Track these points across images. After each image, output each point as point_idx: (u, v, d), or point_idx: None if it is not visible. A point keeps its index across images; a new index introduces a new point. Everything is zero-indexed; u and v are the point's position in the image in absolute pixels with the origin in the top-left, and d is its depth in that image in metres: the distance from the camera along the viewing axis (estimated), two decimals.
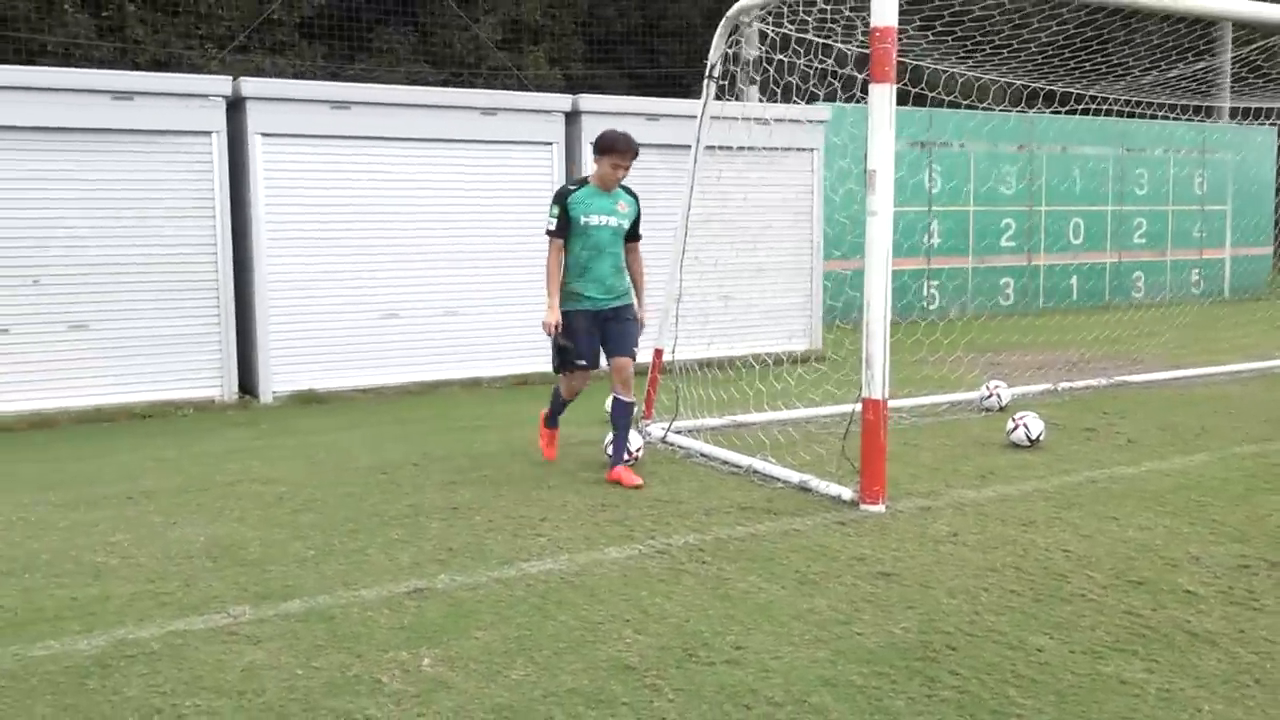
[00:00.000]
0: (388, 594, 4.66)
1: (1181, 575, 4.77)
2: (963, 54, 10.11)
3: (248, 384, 9.86)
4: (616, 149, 6.42)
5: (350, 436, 8.21)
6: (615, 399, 6.62)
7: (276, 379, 9.78)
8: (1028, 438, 7.46)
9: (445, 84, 20.05)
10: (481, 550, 5.26)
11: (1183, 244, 21.29)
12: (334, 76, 19.40)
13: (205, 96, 9.35)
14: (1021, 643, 4.04)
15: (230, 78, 9.62)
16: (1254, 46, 11.50)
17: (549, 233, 6.51)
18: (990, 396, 8.94)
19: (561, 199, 6.50)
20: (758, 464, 6.80)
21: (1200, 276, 21.57)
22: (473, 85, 20.10)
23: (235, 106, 9.61)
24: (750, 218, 10.55)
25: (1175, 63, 10.66)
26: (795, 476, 6.49)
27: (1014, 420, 7.58)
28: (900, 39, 8.92)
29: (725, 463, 7.02)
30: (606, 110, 10.97)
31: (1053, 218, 19.42)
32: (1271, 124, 21.72)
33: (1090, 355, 11.88)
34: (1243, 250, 22.18)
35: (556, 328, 6.44)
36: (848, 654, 3.96)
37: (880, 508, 5.89)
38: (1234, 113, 21.29)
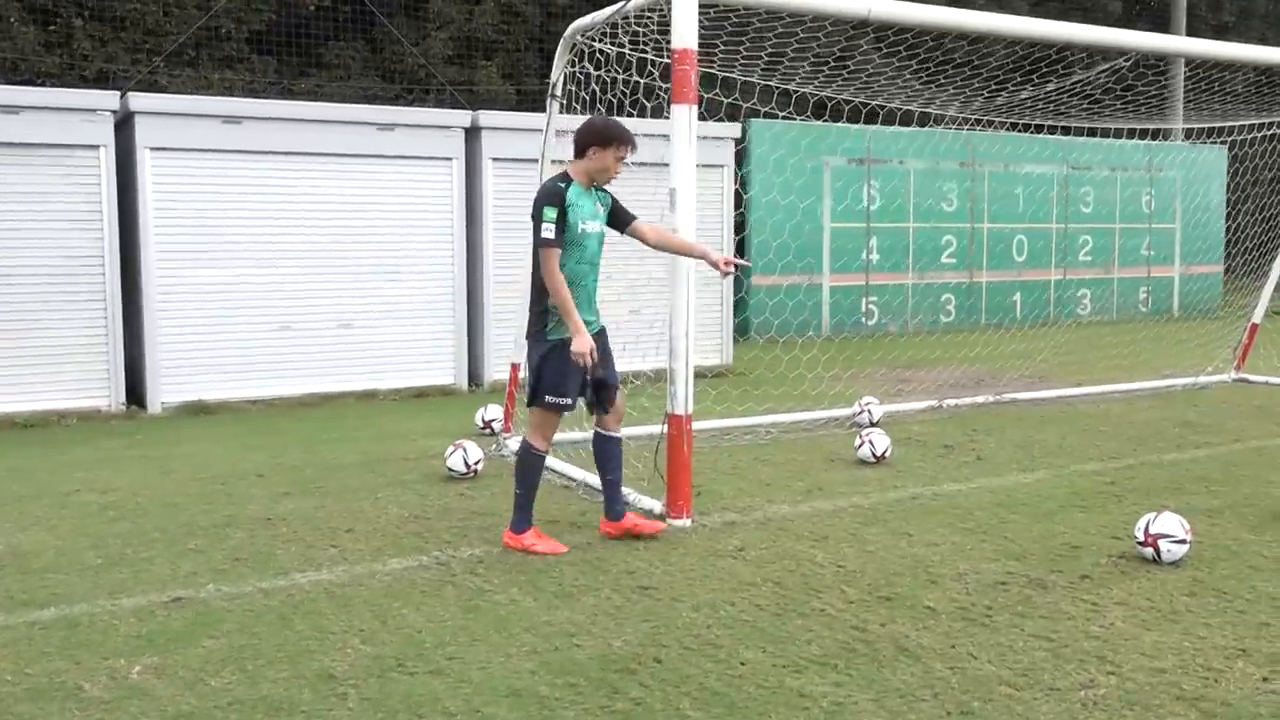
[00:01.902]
0: (145, 603, 4.73)
1: (935, 592, 4.83)
2: (909, 77, 10.21)
3: (139, 394, 9.95)
4: (625, 139, 5.44)
5: (216, 448, 8.30)
6: (603, 435, 5.74)
7: (165, 389, 9.87)
8: (873, 454, 7.53)
9: (397, 99, 20.21)
10: (267, 561, 5.33)
11: (1130, 262, 21.37)
12: (285, 91, 19.55)
13: (93, 111, 9.47)
14: (731, 656, 4.10)
15: (118, 93, 9.74)
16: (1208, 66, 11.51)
17: (548, 242, 5.27)
18: (861, 413, 9.01)
19: (559, 199, 5.32)
20: (589, 478, 6.87)
21: (1148, 294, 21.65)
22: (424, 100, 20.27)
23: (125, 121, 9.73)
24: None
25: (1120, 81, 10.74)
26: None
27: (860, 437, 7.65)
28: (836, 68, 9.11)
29: (564, 476, 7.10)
30: (507, 126, 11.09)
31: (995, 235, 19.51)
32: (1221, 143, 21.87)
33: (1000, 371, 11.95)
34: (1193, 269, 22.25)
35: (592, 354, 5.33)
36: (552, 665, 4.03)
37: (685, 522, 5.96)
38: (1186, 132, 21.44)
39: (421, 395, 10.84)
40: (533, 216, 5.39)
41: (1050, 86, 9.19)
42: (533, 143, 7.85)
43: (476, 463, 7.08)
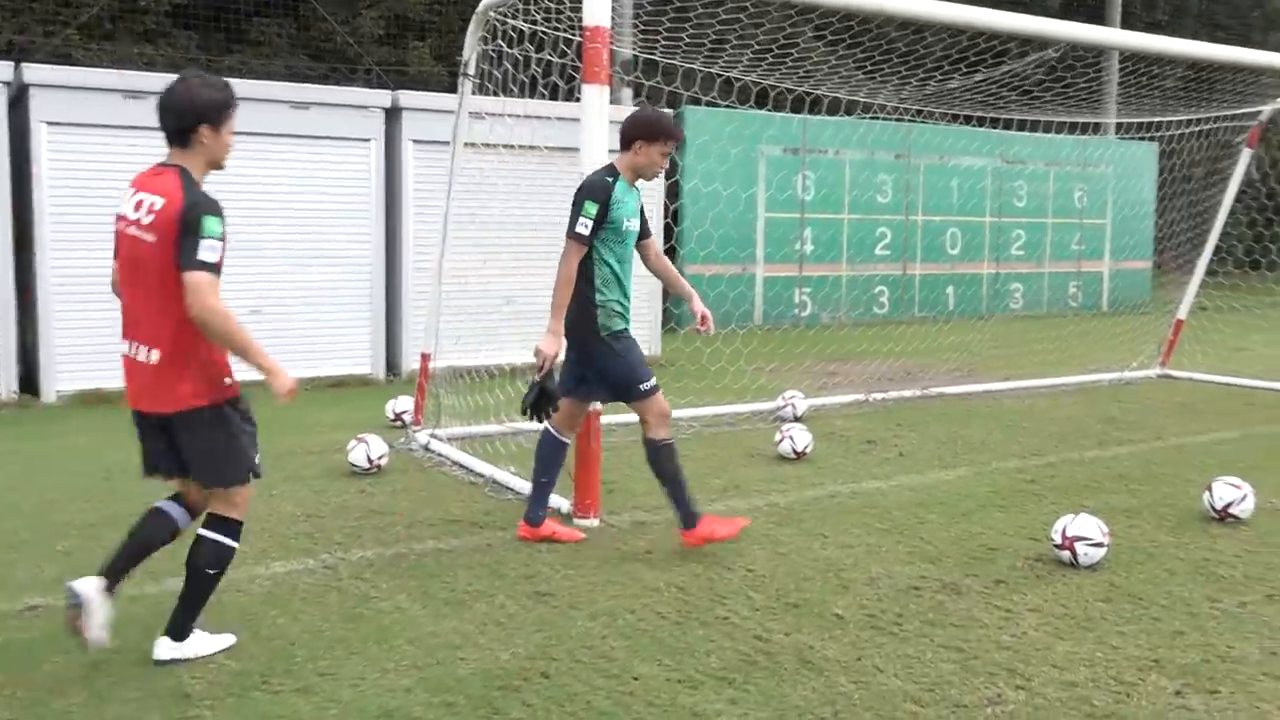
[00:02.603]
0: None
1: (844, 598, 4.63)
2: (852, 69, 10.03)
3: (33, 383, 9.46)
4: (673, 132, 5.16)
5: (107, 440, 7.85)
6: (555, 437, 5.45)
7: (60, 378, 9.39)
8: (794, 450, 7.34)
9: (325, 79, 19.65)
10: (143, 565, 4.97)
11: (1061, 256, 21.50)
12: (207, 68, 18.91)
13: None
14: (624, 671, 3.85)
15: (11, 64, 9.22)
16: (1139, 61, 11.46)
17: (580, 237, 4.99)
18: (785, 407, 8.82)
19: (605, 195, 5.03)
20: (498, 474, 6.59)
21: (1079, 289, 21.81)
22: (352, 81, 19.74)
23: (20, 94, 9.22)
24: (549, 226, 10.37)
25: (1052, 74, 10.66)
26: (528, 488, 6.27)
27: (781, 432, 7.45)
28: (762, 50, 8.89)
29: (472, 472, 6.81)
30: (429, 107, 10.71)
31: (930, 227, 19.50)
32: (1151, 138, 22.08)
33: (929, 365, 11.86)
34: (1123, 264, 22.45)
35: (554, 361, 5.09)
36: (431, 682, 3.75)
37: (593, 521, 5.71)
38: (1118, 128, 21.60)
39: (339, 385, 10.46)
40: (572, 205, 5.10)
41: (979, 77, 9.04)
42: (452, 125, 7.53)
43: (380, 458, 6.76)
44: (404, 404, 8.26)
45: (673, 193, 13.62)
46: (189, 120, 3.75)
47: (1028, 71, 10.35)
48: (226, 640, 4.02)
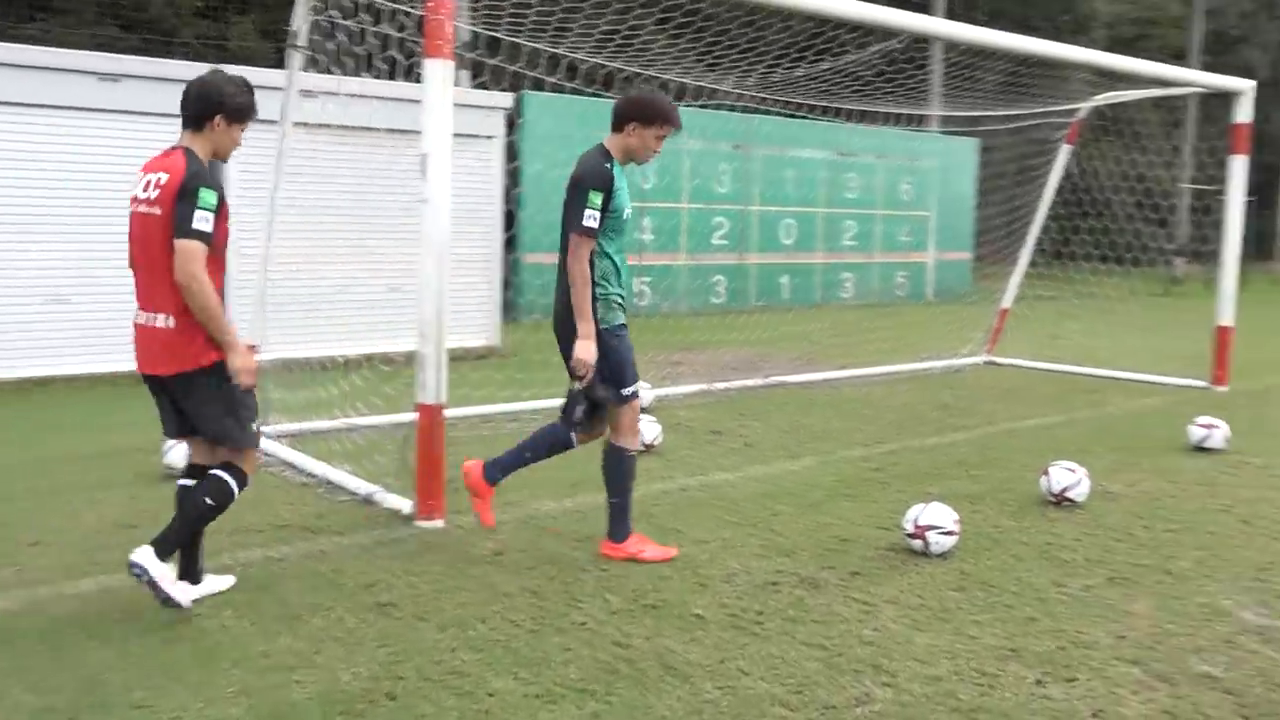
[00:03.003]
0: None
1: (703, 596, 4.49)
2: (693, 61, 9.85)
3: None
4: (671, 116, 4.81)
5: None
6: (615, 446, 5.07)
7: None
8: (642, 443, 7.17)
9: (136, 52, 18.42)
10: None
11: (890, 247, 22.15)
12: (4, 35, 17.47)
13: None
14: (477, 687, 3.60)
15: None
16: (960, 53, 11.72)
17: (588, 231, 4.61)
18: None
19: (609, 184, 4.67)
20: (331, 474, 6.20)
21: (906, 279, 22.53)
22: (169, 54, 18.59)
23: None
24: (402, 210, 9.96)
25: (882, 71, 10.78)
26: (365, 488, 5.92)
27: None
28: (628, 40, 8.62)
29: (303, 472, 6.39)
30: (254, 83, 10.06)
31: (766, 218, 19.75)
32: (971, 134, 22.98)
33: (770, 354, 11.93)
34: (945, 255, 23.31)
35: (589, 369, 4.73)
36: (263, 709, 3.41)
37: (437, 523, 5.40)
38: (943, 124, 22.37)
39: None
40: (572, 197, 4.70)
41: (825, 65, 9.08)
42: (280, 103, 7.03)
43: None
44: None
45: (513, 179, 13.30)
46: (209, 110, 4.09)
47: (871, 60, 10.48)
48: (226, 580, 4.43)
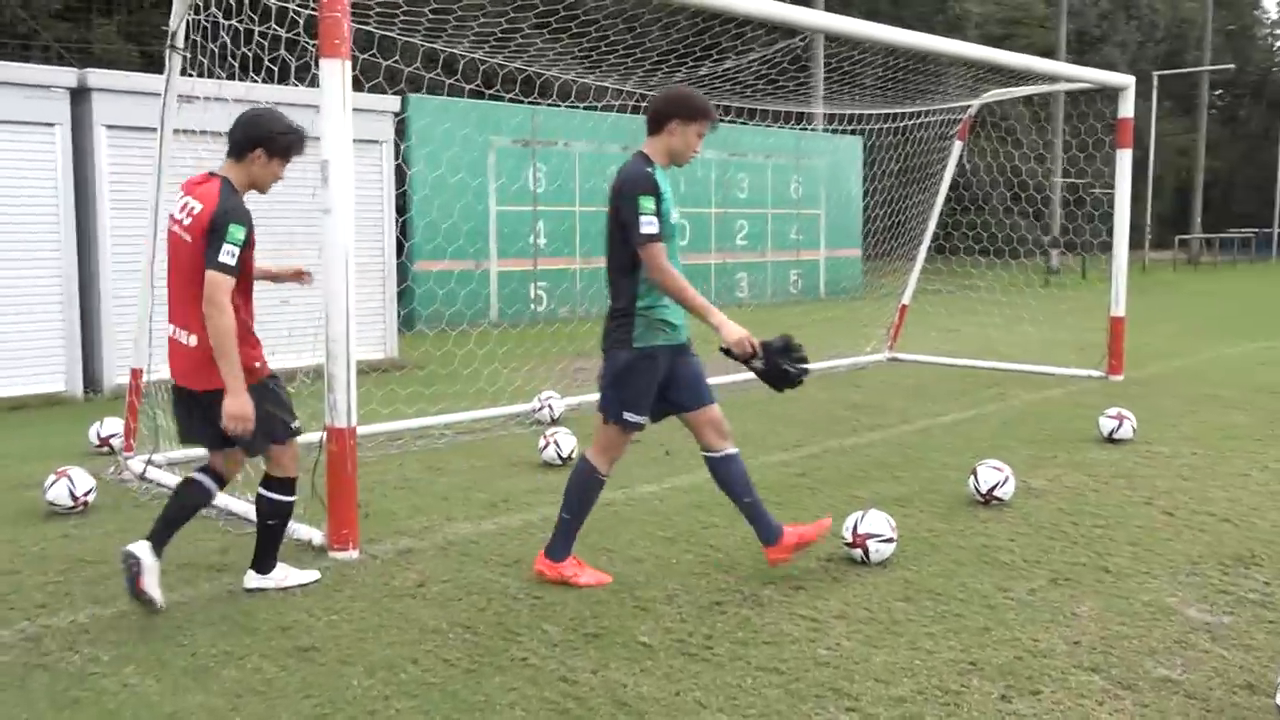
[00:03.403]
0: None
1: (646, 621, 4.26)
2: (577, 56, 9.63)
3: None
4: (710, 112, 4.56)
5: None
6: (724, 457, 4.94)
7: None
8: (559, 456, 6.93)
9: None
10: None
11: (782, 246, 22.29)
12: None
13: None
14: None
15: None
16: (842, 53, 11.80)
17: (652, 237, 4.34)
18: (542, 409, 8.40)
19: (654, 187, 4.41)
20: (233, 504, 5.78)
21: (799, 277, 22.71)
22: (27, 58, 17.56)
23: None
24: (301, 216, 9.49)
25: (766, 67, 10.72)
26: None
27: (545, 437, 7.03)
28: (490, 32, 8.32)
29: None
30: (125, 88, 9.50)
31: None
32: (855, 132, 23.27)
33: None
34: (836, 252, 23.58)
35: (750, 341, 4.63)
36: None
37: (351, 554, 5.06)
38: (828, 122, 22.58)
39: (19, 407, 9.08)
40: (620, 209, 4.44)
41: (703, 71, 8.98)
42: (157, 108, 6.55)
43: (86, 493, 5.79)
44: (111, 426, 7.22)
45: (398, 179, 12.87)
46: (251, 142, 4.29)
47: (754, 66, 10.45)
48: (311, 575, 4.70)
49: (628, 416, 4.63)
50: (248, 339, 4.30)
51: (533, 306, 17.44)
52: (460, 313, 14.20)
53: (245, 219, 4.18)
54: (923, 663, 3.86)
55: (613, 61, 9.42)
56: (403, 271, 13.60)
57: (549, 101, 9.78)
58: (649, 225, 4.34)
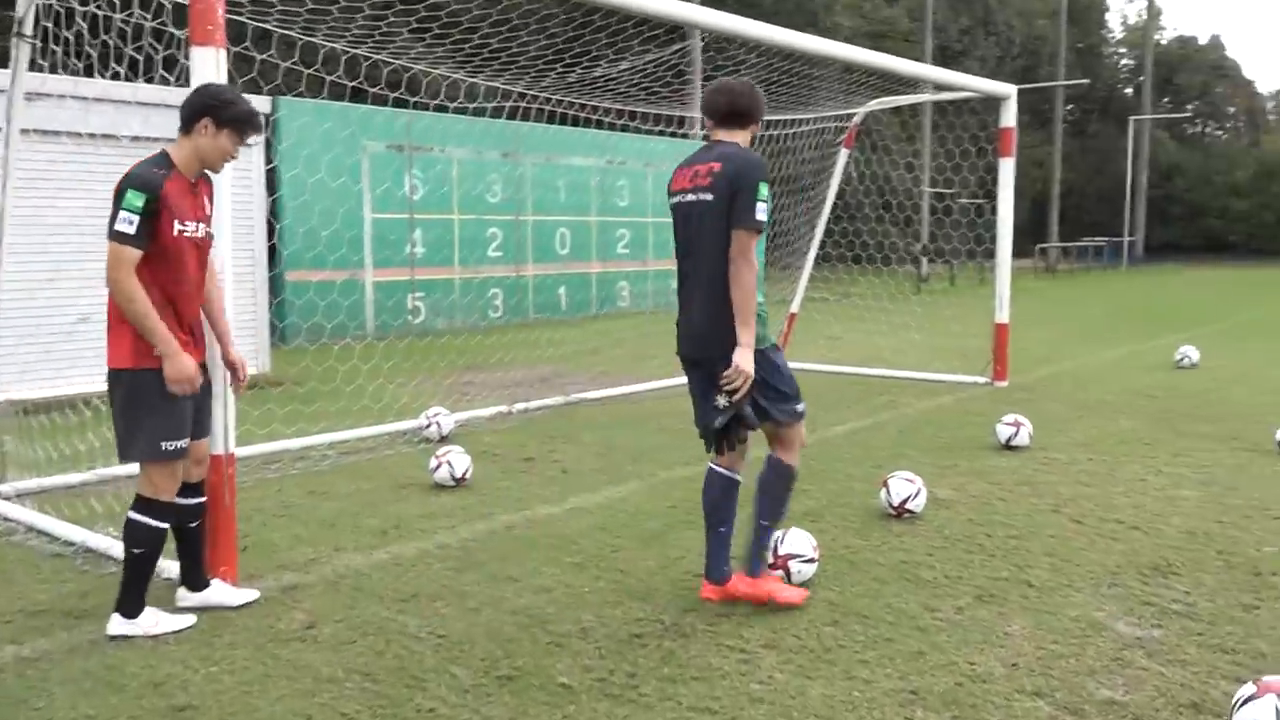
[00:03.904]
0: None
1: (563, 658, 3.94)
2: (443, 54, 9.20)
3: None
4: (764, 112, 4.47)
5: None
6: (728, 476, 4.67)
7: None
8: (452, 476, 6.54)
9: None
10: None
11: (663, 254, 22.15)
12: None
13: None
14: None
15: None
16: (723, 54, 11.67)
17: (761, 226, 4.13)
18: (430, 426, 7.98)
19: (766, 173, 4.18)
20: (92, 539, 5.24)
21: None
22: None
23: None
24: None
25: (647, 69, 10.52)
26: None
27: (437, 457, 6.63)
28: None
29: (56, 539, 5.37)
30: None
31: (540, 228, 19.29)
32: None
33: (562, 370, 11.46)
34: None
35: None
36: None
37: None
38: (704, 124, 22.56)
39: None
40: (739, 190, 4.11)
41: (578, 74, 8.74)
42: (1, 106, 5.91)
43: None
44: None
45: (270, 188, 12.24)
46: (196, 111, 4.03)
47: (643, 67, 10.26)
48: (186, 620, 4.21)
49: (801, 408, 4.54)
50: (181, 322, 4.06)
51: (410, 317, 16.88)
52: (333, 324, 13.60)
53: (146, 185, 3.84)
54: (862, 694, 3.64)
55: (481, 60, 9.09)
56: (275, 284, 12.94)
57: (416, 98, 9.34)
58: (763, 214, 4.14)
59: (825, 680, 3.75)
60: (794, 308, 12.45)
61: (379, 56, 8.30)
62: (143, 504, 4.10)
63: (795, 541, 4.75)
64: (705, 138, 4.53)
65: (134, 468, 6.45)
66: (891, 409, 9.58)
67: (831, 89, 12.66)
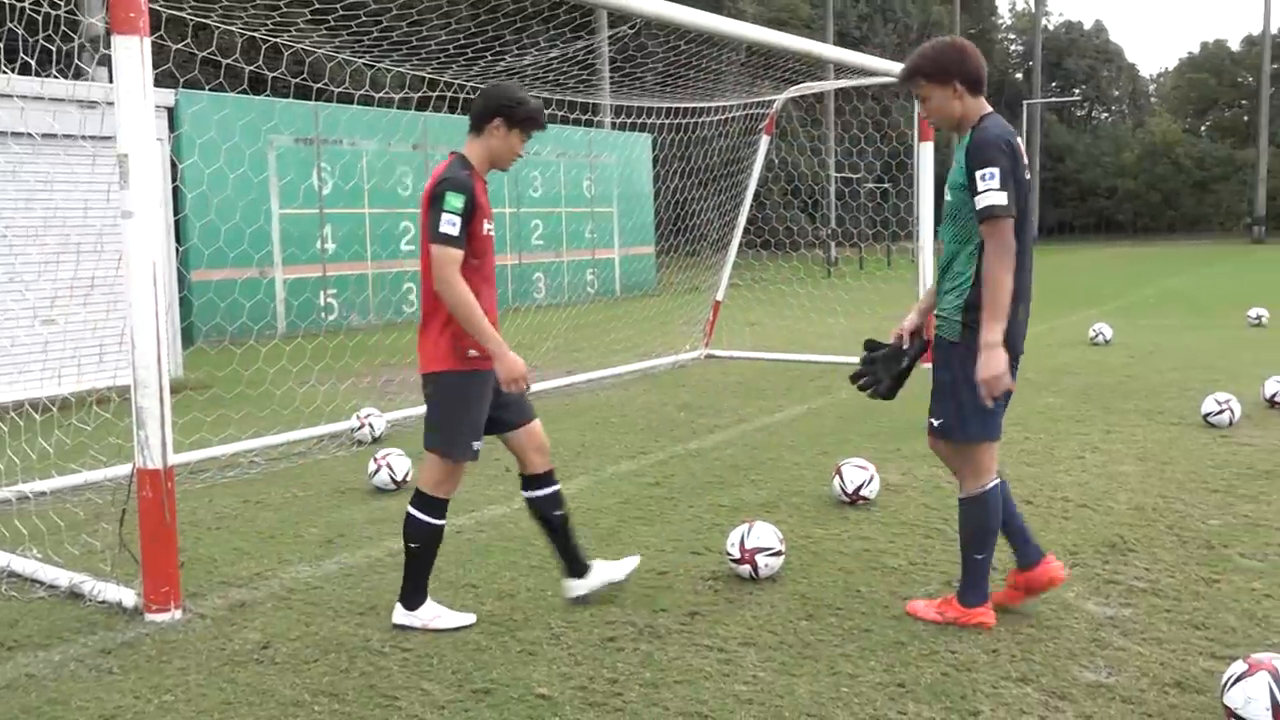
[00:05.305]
0: None
1: (538, 668, 3.80)
2: (346, 41, 8.87)
3: None
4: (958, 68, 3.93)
5: None
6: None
7: None
8: (393, 480, 6.33)
9: None
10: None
11: (577, 245, 22.00)
12: None
13: None
14: None
15: None
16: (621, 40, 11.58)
17: (1011, 212, 3.71)
18: (362, 427, 7.72)
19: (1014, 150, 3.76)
20: (17, 563, 4.91)
21: (595, 276, 22.49)
22: None
23: None
24: (73, 222, 8.40)
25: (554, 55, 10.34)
26: (66, 577, 4.71)
27: (376, 460, 6.40)
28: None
29: None
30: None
31: None
32: (643, 128, 23.25)
33: None
34: (630, 250, 23.50)
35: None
36: None
37: (173, 615, 4.33)
38: (616, 114, 22.44)
39: None
40: (980, 171, 3.71)
41: (501, 66, 8.56)
42: None
43: None
44: None
45: (174, 185, 11.75)
46: (489, 112, 4.06)
47: (551, 64, 10.10)
48: (467, 618, 4.20)
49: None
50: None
51: (322, 315, 16.43)
52: (244, 324, 13.15)
53: (466, 188, 3.90)
54: (850, 689, 3.57)
55: (387, 47, 8.84)
56: (180, 282, 12.43)
57: (320, 84, 9.02)
58: (1006, 198, 3.70)
59: (810, 677, 3.67)
60: (719, 295, 12.41)
61: (279, 40, 7.99)
62: (423, 501, 4.11)
63: (761, 535, 4.67)
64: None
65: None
66: (825, 395, 9.60)
67: (739, 77, 12.65)
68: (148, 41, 4.22)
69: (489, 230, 4.09)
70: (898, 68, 10.96)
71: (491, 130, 4.05)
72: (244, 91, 14.71)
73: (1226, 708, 3.15)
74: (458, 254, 3.88)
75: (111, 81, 4.23)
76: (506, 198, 19.97)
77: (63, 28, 5.30)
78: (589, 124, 20.07)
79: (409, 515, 4.15)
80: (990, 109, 3.95)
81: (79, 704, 3.57)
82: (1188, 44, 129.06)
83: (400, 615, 4.16)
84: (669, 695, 3.55)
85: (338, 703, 3.55)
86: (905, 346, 4.25)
